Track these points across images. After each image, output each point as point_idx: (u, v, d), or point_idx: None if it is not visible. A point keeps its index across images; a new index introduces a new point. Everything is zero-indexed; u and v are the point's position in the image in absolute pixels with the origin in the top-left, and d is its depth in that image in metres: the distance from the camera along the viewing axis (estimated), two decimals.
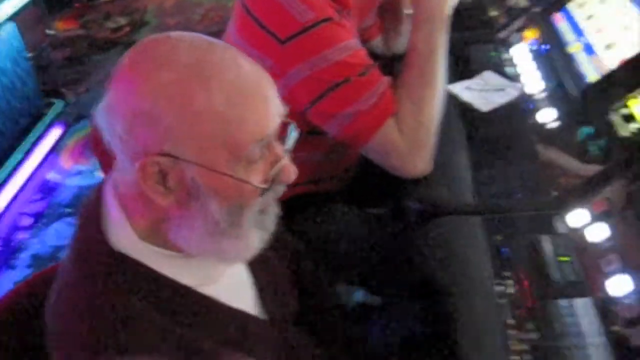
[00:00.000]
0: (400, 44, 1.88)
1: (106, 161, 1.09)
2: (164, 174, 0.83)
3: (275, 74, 1.37)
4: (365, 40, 1.81)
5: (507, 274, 1.28)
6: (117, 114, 0.83)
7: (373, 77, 1.40)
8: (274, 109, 0.89)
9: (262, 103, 0.87)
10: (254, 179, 0.87)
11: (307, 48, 1.37)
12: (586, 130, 1.49)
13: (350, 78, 1.37)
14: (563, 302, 1.20)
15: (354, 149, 1.47)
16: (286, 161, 0.91)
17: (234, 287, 1.01)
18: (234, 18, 1.51)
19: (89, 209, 0.93)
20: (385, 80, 1.41)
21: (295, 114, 1.45)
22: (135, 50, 0.86)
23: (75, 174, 3.27)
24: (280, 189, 0.93)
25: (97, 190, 0.94)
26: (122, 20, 4.46)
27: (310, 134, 1.56)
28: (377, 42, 1.86)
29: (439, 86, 1.42)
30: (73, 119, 3.62)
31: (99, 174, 2.22)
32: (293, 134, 0.95)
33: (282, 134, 0.93)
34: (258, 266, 1.05)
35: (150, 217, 0.88)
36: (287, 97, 1.40)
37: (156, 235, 0.89)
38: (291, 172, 0.91)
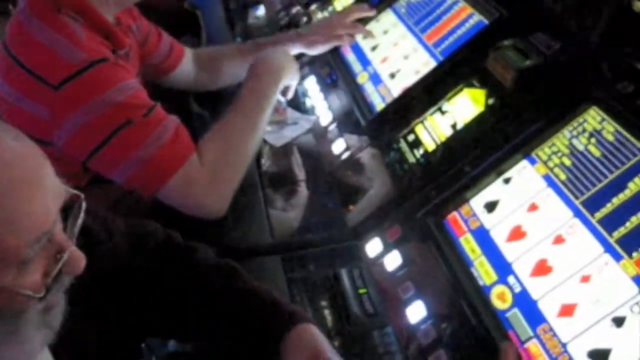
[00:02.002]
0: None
1: None
2: None
3: (51, 123, 1.27)
4: (162, 74, 1.75)
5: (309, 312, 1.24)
6: None
7: (158, 116, 1.32)
8: (51, 197, 0.74)
9: (35, 195, 0.72)
10: (30, 282, 0.72)
11: (83, 92, 1.26)
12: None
13: (133, 120, 1.28)
14: (364, 337, 1.18)
15: (147, 193, 1.36)
16: (73, 249, 0.77)
17: None
18: None
19: None
20: (173, 118, 1.34)
21: (76, 164, 1.35)
22: None
23: None
24: (68, 280, 0.79)
25: None
26: None
27: (94, 183, 1.45)
28: (177, 75, 1.80)
29: (259, 134, 1.45)
30: None
31: None
32: (82, 214, 0.81)
33: (65, 213, 0.79)
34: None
35: None
36: (67, 147, 1.30)
37: None
38: (80, 261, 0.77)
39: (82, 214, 0.81)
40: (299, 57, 2.01)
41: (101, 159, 1.29)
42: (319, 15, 2.20)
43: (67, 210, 0.80)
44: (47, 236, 0.73)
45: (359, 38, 1.88)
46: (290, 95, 1.70)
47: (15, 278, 0.72)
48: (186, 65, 1.84)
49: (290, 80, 1.63)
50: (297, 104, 1.84)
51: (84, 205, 0.81)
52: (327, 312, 1.25)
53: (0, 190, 0.69)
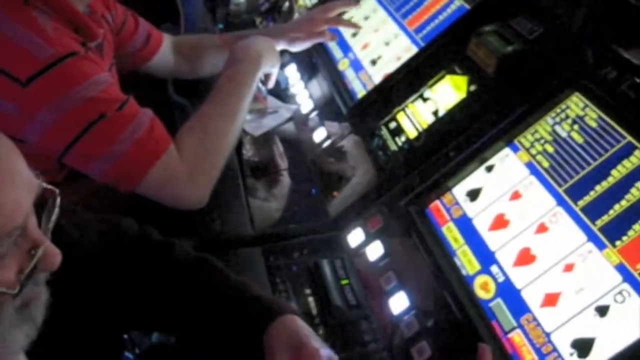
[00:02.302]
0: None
1: None
2: None
3: (21, 120, 1.23)
4: (140, 62, 1.72)
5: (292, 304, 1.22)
6: None
7: (132, 110, 1.29)
8: (24, 190, 0.72)
9: (5, 188, 0.69)
10: (3, 278, 0.70)
11: (53, 87, 1.21)
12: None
13: (106, 114, 1.24)
14: (348, 327, 1.16)
15: (125, 187, 1.33)
16: (47, 245, 0.74)
17: None
18: None
19: None
20: (148, 111, 1.31)
21: (51, 161, 1.31)
22: None
23: None
24: (43, 276, 0.77)
25: None
26: None
27: (69, 179, 1.42)
28: (156, 63, 1.77)
29: (238, 123, 1.41)
30: None
31: None
32: (56, 209, 0.78)
33: (39, 209, 0.77)
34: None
35: None
36: (41, 144, 1.26)
37: None
38: (55, 257, 0.75)
39: (56, 209, 0.79)
40: None
41: (76, 155, 1.26)
42: (300, 1, 2.16)
43: (42, 205, 0.78)
44: (19, 231, 0.71)
45: None
46: (271, 84, 1.67)
47: None
48: (165, 53, 1.80)
49: (271, 67, 1.59)
50: (277, 92, 1.81)
51: (58, 200, 0.79)
52: (311, 299, 1.23)
53: None
